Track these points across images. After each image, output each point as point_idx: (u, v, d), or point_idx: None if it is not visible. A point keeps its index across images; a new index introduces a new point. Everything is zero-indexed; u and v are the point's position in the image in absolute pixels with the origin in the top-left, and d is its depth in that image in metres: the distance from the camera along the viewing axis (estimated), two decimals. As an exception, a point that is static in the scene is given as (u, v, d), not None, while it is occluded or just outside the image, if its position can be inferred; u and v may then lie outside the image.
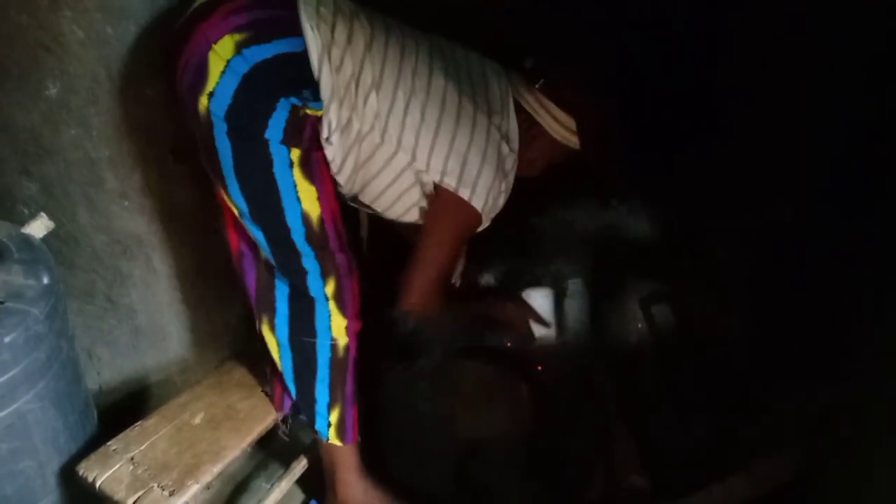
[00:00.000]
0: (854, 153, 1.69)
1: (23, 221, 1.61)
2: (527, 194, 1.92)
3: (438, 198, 1.48)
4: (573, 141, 1.58)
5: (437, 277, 1.54)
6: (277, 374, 1.63)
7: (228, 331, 1.98)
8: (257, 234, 1.43)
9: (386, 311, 1.66)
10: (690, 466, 1.71)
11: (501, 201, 1.54)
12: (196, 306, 1.88)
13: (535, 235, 2.29)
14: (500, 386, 1.92)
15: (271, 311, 1.53)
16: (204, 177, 1.71)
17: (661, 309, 2.02)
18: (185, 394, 1.72)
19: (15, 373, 1.38)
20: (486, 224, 1.54)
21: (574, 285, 2.23)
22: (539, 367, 2.05)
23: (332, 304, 1.50)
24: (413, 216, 1.55)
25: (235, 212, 1.43)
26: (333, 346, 1.54)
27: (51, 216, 1.63)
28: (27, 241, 1.53)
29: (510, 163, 1.53)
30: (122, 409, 1.90)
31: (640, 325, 2.05)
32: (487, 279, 2.21)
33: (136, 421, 1.64)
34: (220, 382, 1.76)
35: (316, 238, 1.42)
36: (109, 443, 1.56)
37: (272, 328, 1.54)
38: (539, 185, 2.03)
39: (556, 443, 1.86)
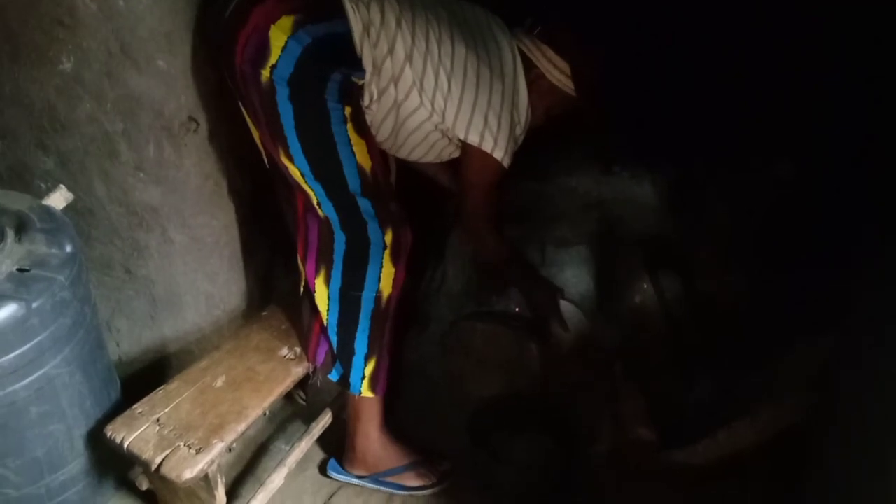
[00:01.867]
0: (853, 110, 1.72)
1: (40, 196, 1.65)
2: (533, 162, 1.98)
3: (468, 149, 1.68)
4: (568, 85, 1.73)
5: (484, 211, 1.79)
6: (316, 328, 1.73)
7: (245, 299, 2.02)
8: (318, 190, 1.56)
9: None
10: (697, 418, 1.76)
11: (519, 141, 1.75)
12: (212, 276, 1.92)
13: (542, 202, 2.33)
14: (510, 346, 1.97)
15: (329, 264, 1.65)
16: (219, 147, 1.76)
17: (665, 269, 2.06)
18: (206, 359, 1.76)
19: (43, 337, 1.42)
20: (509, 161, 1.73)
21: (579, 251, 2.27)
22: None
23: (387, 253, 1.64)
24: (441, 158, 1.80)
25: (297, 173, 1.54)
26: (377, 298, 1.68)
27: (68, 189, 1.67)
28: (48, 211, 1.57)
29: (524, 113, 1.72)
30: (141, 379, 1.94)
31: (644, 286, 2.09)
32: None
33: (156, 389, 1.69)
34: (238, 347, 1.81)
35: (371, 188, 1.59)
36: (135, 406, 1.61)
37: (327, 280, 1.66)
38: (544, 152, 2.09)
39: (565, 399, 1.92)
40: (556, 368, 1.96)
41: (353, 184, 1.57)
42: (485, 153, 1.66)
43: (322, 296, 1.67)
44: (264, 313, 1.96)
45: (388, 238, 1.63)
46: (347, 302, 1.67)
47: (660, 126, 2.13)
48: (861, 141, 1.65)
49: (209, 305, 1.96)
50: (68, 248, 1.50)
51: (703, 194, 2.14)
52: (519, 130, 1.73)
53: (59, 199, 1.63)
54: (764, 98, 1.96)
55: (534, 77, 1.73)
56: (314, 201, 1.58)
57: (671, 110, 2.09)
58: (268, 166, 1.67)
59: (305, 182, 1.55)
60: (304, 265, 1.69)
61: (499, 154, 1.66)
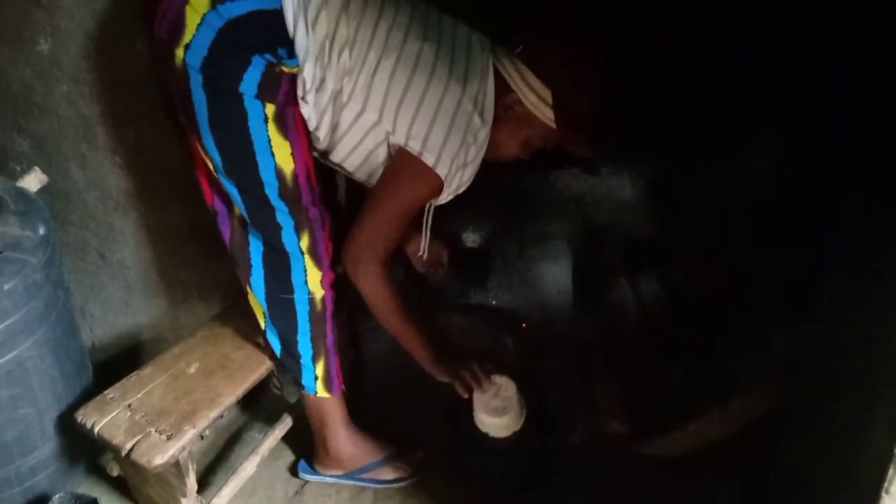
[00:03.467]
0: (831, 103, 1.74)
1: (15, 178, 1.64)
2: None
3: (400, 159, 1.44)
4: (547, 116, 1.45)
5: (378, 237, 1.49)
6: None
7: (220, 286, 2.01)
8: (231, 189, 1.43)
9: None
10: (671, 411, 1.78)
11: (467, 176, 1.49)
12: (188, 262, 1.91)
13: (520, 196, 2.34)
14: (486, 338, 1.98)
15: (247, 270, 1.55)
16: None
17: (641, 263, 2.09)
18: (180, 345, 1.75)
19: (14, 320, 1.41)
20: (446, 198, 1.50)
21: (557, 245, 2.29)
22: (524, 324, 2.12)
23: (307, 259, 1.51)
24: (377, 179, 1.52)
25: (210, 165, 1.43)
26: (311, 300, 1.57)
27: (43, 172, 1.65)
28: (22, 193, 1.56)
29: (482, 136, 1.46)
30: (114, 366, 1.92)
31: (621, 280, 2.12)
32: (473, 238, 2.26)
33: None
34: (213, 334, 1.79)
35: (289, 193, 1.43)
36: (107, 391, 1.59)
37: (250, 286, 1.57)
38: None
39: (541, 389, 1.93)
40: (533, 360, 1.97)
41: (270, 186, 1.41)
42: (422, 166, 1.41)
43: (253, 301, 1.60)
44: (240, 301, 1.94)
45: (305, 244, 1.49)
46: (279, 305, 1.57)
47: (638, 121, 2.14)
48: (837, 135, 1.67)
49: (184, 292, 1.95)
50: (41, 231, 1.49)
51: (679, 190, 2.17)
52: (471, 156, 1.46)
53: (33, 181, 1.62)
54: (742, 92, 1.98)
55: (509, 103, 1.47)
56: (230, 197, 1.47)
57: (651, 105, 2.10)
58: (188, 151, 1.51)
59: (219, 177, 1.43)
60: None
61: (441, 171, 1.41)
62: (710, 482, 1.67)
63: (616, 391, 1.88)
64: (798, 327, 1.55)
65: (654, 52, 2.02)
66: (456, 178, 1.46)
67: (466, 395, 1.60)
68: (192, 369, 1.68)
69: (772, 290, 1.71)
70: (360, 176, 1.55)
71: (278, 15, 1.30)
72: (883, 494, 0.95)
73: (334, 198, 1.77)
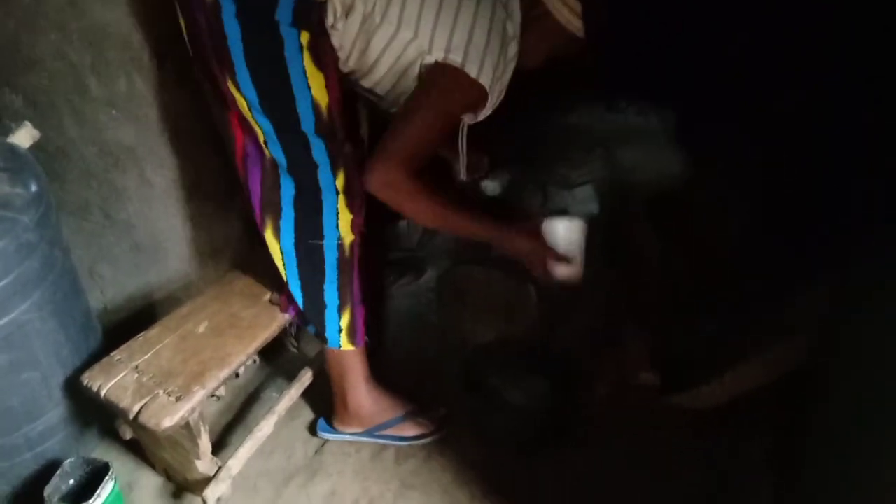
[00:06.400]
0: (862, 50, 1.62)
1: (7, 135, 1.57)
2: (533, 99, 1.85)
3: (436, 73, 1.35)
4: (576, 26, 1.43)
5: (411, 150, 1.38)
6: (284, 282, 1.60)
7: (229, 244, 1.94)
8: (266, 127, 1.38)
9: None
10: (699, 363, 1.69)
11: (505, 83, 1.44)
12: (195, 220, 1.84)
13: (542, 140, 2.23)
14: (507, 290, 1.89)
15: (276, 214, 1.49)
16: (194, 81, 1.66)
17: (667, 209, 1.97)
18: (188, 305, 1.69)
19: (8, 281, 1.35)
20: (487, 111, 1.44)
21: (582, 191, 2.18)
22: None
23: (341, 199, 1.46)
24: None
25: (243, 104, 1.36)
26: (340, 246, 1.52)
27: (37, 129, 1.58)
28: (12, 150, 1.49)
29: (512, 49, 1.42)
30: (127, 327, 1.87)
31: (646, 228, 2.01)
32: (493, 187, 2.16)
33: (142, 336, 1.62)
34: (222, 293, 1.74)
35: (325, 127, 1.38)
36: (113, 353, 1.54)
37: (277, 232, 1.50)
38: (544, 89, 1.96)
39: (564, 342, 1.85)
40: (556, 312, 1.88)
41: (307, 121, 1.36)
42: (464, 77, 1.33)
43: (275, 250, 1.52)
44: (249, 258, 1.88)
45: (340, 182, 1.44)
46: (307, 253, 1.51)
47: (666, 61, 2.01)
48: (867, 83, 1.54)
49: (192, 251, 1.89)
50: (33, 188, 1.43)
51: (707, 135, 2.03)
52: (508, 67, 1.42)
53: (24, 136, 1.54)
54: (772, 37, 1.84)
55: (536, 14, 1.44)
56: (261, 139, 1.41)
57: (677, 45, 1.97)
58: (211, 100, 1.49)
59: (252, 116, 1.37)
60: (254, 215, 1.52)
61: (485, 80, 1.34)
62: (734, 439, 1.59)
63: (645, 341, 1.78)
64: (830, 276, 1.44)
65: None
66: (496, 89, 1.40)
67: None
68: (201, 329, 1.62)
69: (804, 242, 1.59)
70: (391, 98, 1.48)
71: None
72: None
73: (358, 133, 1.68)
